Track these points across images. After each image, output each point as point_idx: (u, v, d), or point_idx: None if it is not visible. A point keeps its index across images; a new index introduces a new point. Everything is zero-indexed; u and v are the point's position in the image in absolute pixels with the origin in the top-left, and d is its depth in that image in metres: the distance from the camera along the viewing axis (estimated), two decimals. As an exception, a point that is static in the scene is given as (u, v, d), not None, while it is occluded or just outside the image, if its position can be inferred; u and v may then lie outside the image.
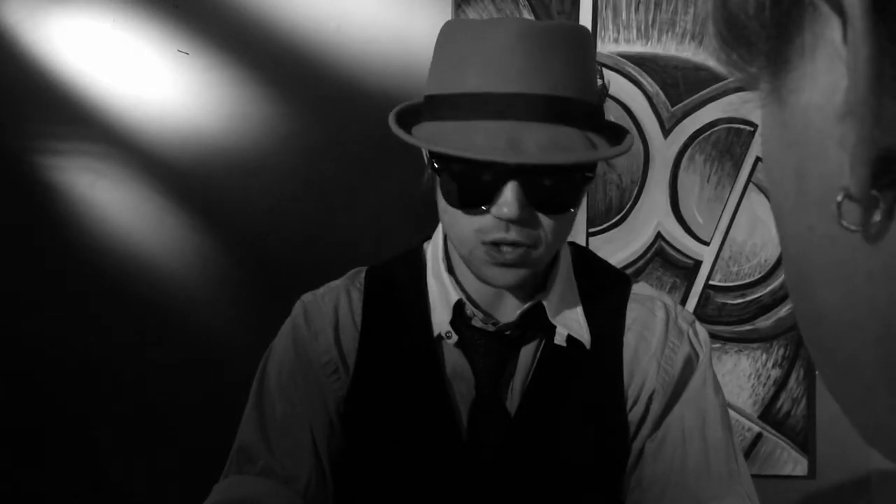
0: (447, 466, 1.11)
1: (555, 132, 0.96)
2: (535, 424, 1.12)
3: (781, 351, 2.05)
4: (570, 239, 1.21)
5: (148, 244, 2.03)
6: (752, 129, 2.02)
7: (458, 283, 1.14)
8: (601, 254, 1.28)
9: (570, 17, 2.00)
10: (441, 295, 1.14)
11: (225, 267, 2.03)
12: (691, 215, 2.04)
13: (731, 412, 1.19)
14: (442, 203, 1.05)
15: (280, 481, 1.11)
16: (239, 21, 2.02)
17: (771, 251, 2.03)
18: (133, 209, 2.03)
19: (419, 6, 1.99)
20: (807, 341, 0.35)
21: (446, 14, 1.95)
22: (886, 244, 0.28)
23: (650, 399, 1.13)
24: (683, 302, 2.03)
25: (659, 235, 2.04)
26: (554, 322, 1.12)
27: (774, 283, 2.04)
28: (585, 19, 2.01)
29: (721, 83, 2.01)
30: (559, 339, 1.12)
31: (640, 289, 1.20)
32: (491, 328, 1.12)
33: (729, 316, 2.06)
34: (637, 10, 2.02)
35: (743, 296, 2.05)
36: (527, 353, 1.13)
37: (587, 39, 1.04)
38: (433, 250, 1.18)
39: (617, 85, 2.01)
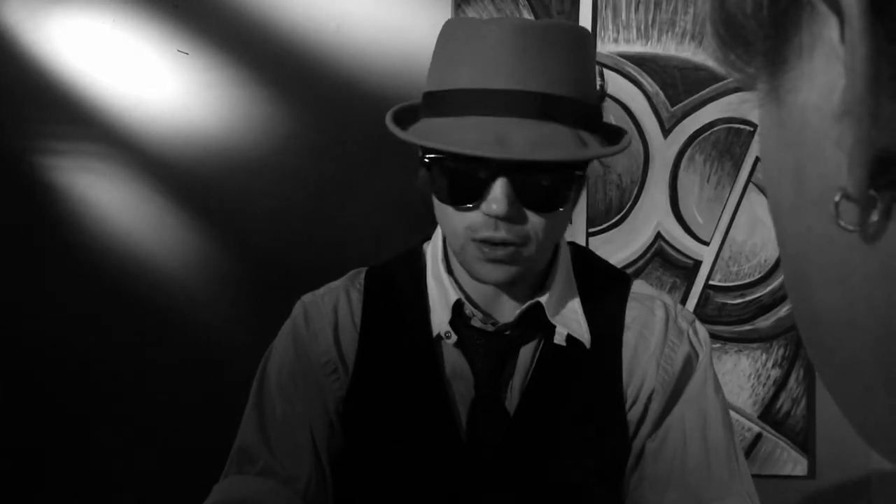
0: (447, 466, 1.12)
1: (545, 129, 0.96)
2: (535, 424, 1.12)
3: (781, 351, 2.05)
4: (569, 239, 1.21)
5: (148, 244, 2.03)
6: (752, 129, 2.02)
7: (457, 283, 1.14)
8: (601, 254, 1.28)
9: (569, 17, 2.00)
10: (440, 295, 1.14)
11: (225, 267, 2.03)
12: (691, 215, 2.04)
13: (731, 412, 1.19)
14: (435, 199, 1.06)
15: (280, 481, 1.12)
16: (239, 21, 2.02)
17: (771, 251, 2.03)
18: (133, 209, 2.03)
19: (419, 6, 1.99)
20: (805, 342, 0.35)
21: (446, 14, 1.95)
22: (884, 244, 0.28)
23: (650, 398, 1.13)
24: (683, 302, 2.02)
25: (659, 235, 2.04)
26: (553, 321, 1.12)
27: (774, 283, 2.04)
28: (585, 19, 2.01)
29: (721, 83, 2.01)
30: (559, 338, 1.12)
31: (639, 288, 1.20)
32: (490, 328, 1.12)
33: (729, 316, 2.06)
34: (637, 10, 2.01)
35: (743, 296, 2.05)
36: (526, 353, 1.13)
37: (584, 39, 1.04)
38: (433, 251, 1.18)
39: (617, 85, 2.01)
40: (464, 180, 1.01)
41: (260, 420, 1.16)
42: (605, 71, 2.01)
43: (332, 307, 1.19)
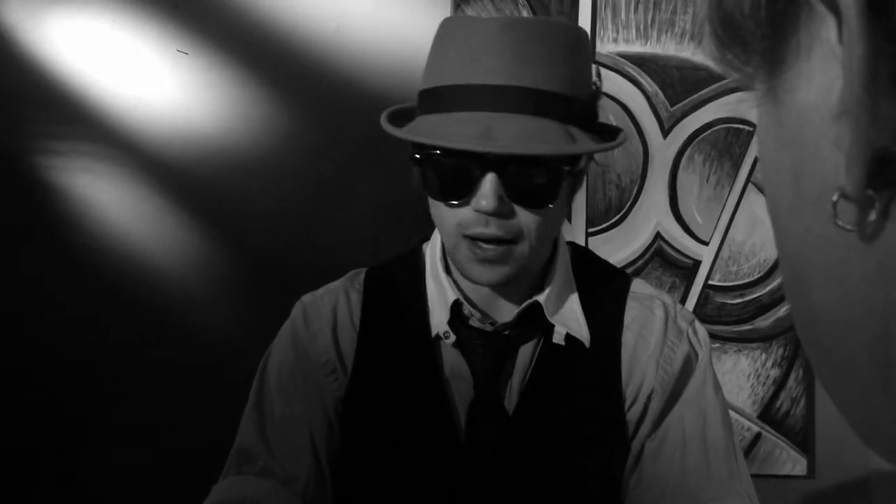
0: (446, 466, 1.11)
1: (534, 124, 0.96)
2: (534, 424, 1.12)
3: (781, 351, 2.05)
4: (568, 239, 1.21)
5: (147, 244, 2.03)
6: (751, 128, 2.02)
7: (455, 283, 1.14)
8: (600, 254, 1.28)
9: (569, 17, 1.99)
10: (439, 295, 1.14)
11: (224, 267, 2.03)
12: (690, 215, 2.04)
13: (731, 412, 1.19)
14: (429, 197, 1.06)
15: (279, 482, 1.12)
16: (238, 21, 2.01)
17: (770, 251, 2.03)
18: (132, 209, 2.02)
19: (418, 6, 1.99)
20: (803, 342, 0.35)
21: (446, 14, 1.95)
22: (882, 244, 0.28)
23: (649, 398, 1.13)
24: (683, 302, 2.02)
25: (658, 235, 2.04)
26: (552, 321, 1.12)
27: (773, 283, 2.04)
28: (585, 19, 2.01)
29: (720, 83, 2.01)
30: (557, 337, 1.12)
31: (639, 287, 1.20)
32: (489, 328, 1.12)
33: (728, 316, 2.06)
34: (636, 9, 2.01)
35: (742, 295, 2.05)
36: (525, 353, 1.13)
37: (577, 36, 1.04)
38: (431, 251, 1.18)
39: (616, 85, 2.01)
40: (453, 176, 1.01)
41: (259, 420, 1.17)
42: (604, 70, 2.01)
43: (331, 308, 1.19)
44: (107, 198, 2.03)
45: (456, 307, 1.12)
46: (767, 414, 2.05)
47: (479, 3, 1.99)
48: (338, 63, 2.02)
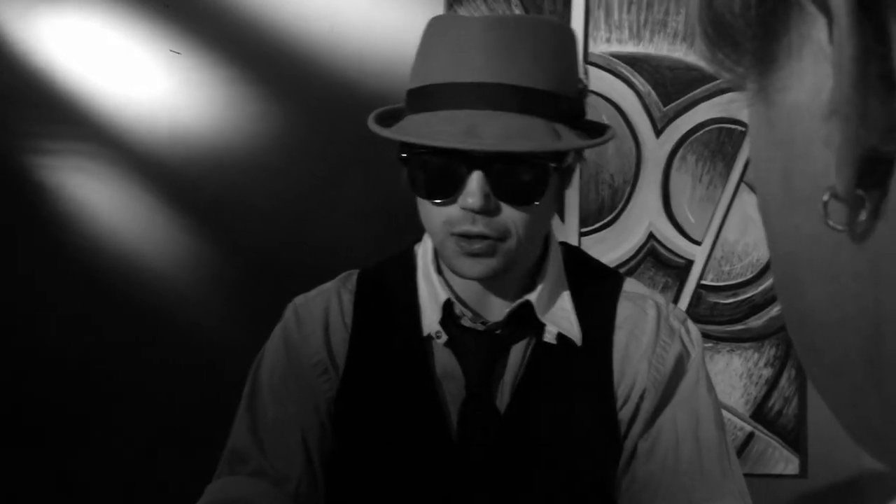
0: (438, 466, 1.11)
1: (519, 121, 0.97)
2: (526, 423, 1.12)
3: (773, 350, 2.06)
4: (561, 239, 1.21)
5: (138, 243, 2.02)
6: (743, 129, 2.03)
7: (447, 282, 1.14)
8: (593, 254, 1.28)
9: (562, 17, 2.00)
10: (430, 295, 1.14)
11: (216, 267, 2.03)
12: (683, 215, 2.05)
13: (723, 411, 1.19)
14: (417, 197, 1.06)
15: (272, 482, 1.12)
16: (231, 20, 2.01)
17: (762, 251, 2.04)
18: (123, 208, 2.02)
19: (412, 6, 1.99)
20: (795, 342, 0.35)
21: (438, 13, 1.94)
22: (872, 244, 0.28)
23: (641, 398, 1.13)
24: (675, 301, 2.03)
25: (651, 235, 2.04)
26: (543, 320, 1.12)
27: (766, 283, 2.04)
28: (577, 19, 2.01)
29: (713, 83, 2.01)
30: (549, 336, 1.11)
31: (631, 287, 1.20)
32: (480, 327, 1.12)
33: (721, 315, 2.06)
34: (629, 10, 2.02)
35: (735, 295, 2.06)
36: (517, 352, 1.13)
37: (562, 34, 1.05)
38: (423, 252, 1.18)
39: (609, 85, 2.01)
40: (439, 175, 1.01)
41: (252, 421, 1.17)
42: (598, 71, 2.01)
43: (322, 309, 1.19)
44: (98, 197, 2.02)
45: (447, 307, 1.12)
46: (760, 413, 2.06)
47: (472, 3, 1.99)
48: (331, 63, 2.02)
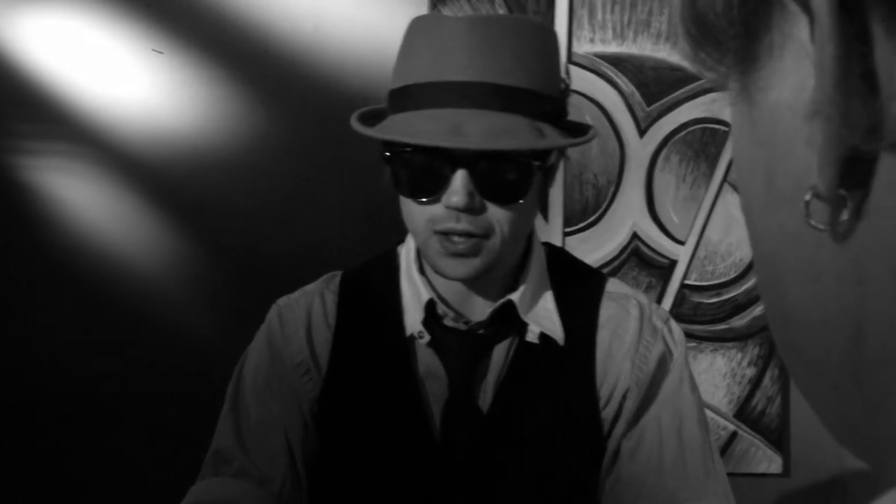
0: (421, 466, 1.11)
1: (502, 120, 0.97)
2: (508, 423, 1.12)
3: (756, 350, 2.06)
4: (545, 239, 1.21)
5: (121, 244, 2.02)
6: (727, 128, 2.03)
7: (429, 282, 1.14)
8: (577, 254, 1.29)
9: (545, 17, 2.00)
10: (413, 295, 1.14)
11: (200, 267, 2.02)
12: (667, 215, 2.05)
13: (707, 411, 1.19)
14: (400, 196, 1.06)
15: (255, 483, 1.12)
16: (214, 20, 2.00)
17: (746, 251, 2.04)
18: (106, 209, 2.01)
19: (396, 6, 1.99)
20: (777, 341, 0.35)
21: (423, 13, 1.94)
22: (854, 243, 0.28)
23: (624, 397, 1.13)
24: (659, 301, 2.03)
25: (635, 235, 2.05)
26: (526, 319, 1.12)
27: (749, 283, 2.05)
28: (561, 19, 2.01)
29: (696, 83, 2.02)
30: (531, 336, 1.12)
31: (614, 286, 1.20)
32: (463, 327, 1.12)
33: (704, 315, 2.07)
34: (612, 10, 2.02)
35: (718, 295, 2.06)
36: (500, 352, 1.13)
37: (544, 33, 1.05)
38: (406, 252, 1.18)
39: (592, 85, 2.02)
40: (423, 173, 1.01)
41: (235, 422, 1.17)
42: (581, 71, 2.01)
43: (305, 310, 1.19)
44: (81, 197, 2.01)
45: (430, 307, 1.12)
46: (743, 413, 2.07)
47: (455, 3, 1.98)
48: (315, 62, 2.01)
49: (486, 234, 1.02)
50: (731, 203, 2.04)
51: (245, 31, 2.01)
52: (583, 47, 2.02)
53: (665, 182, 2.05)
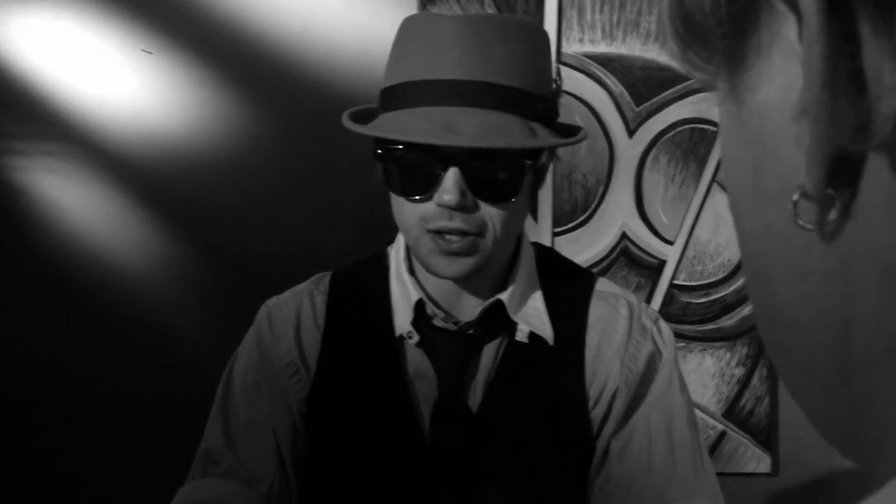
0: (410, 466, 1.11)
1: (494, 118, 0.97)
2: (498, 423, 1.12)
3: (745, 350, 2.07)
4: (534, 239, 1.21)
5: (111, 245, 2.01)
6: (716, 129, 2.03)
7: (419, 283, 1.14)
8: (566, 254, 1.29)
9: (535, 16, 2.00)
10: (402, 295, 1.14)
11: (189, 267, 2.02)
12: (656, 215, 2.05)
13: (696, 410, 1.19)
14: (391, 194, 1.06)
15: (244, 483, 1.12)
16: (203, 20, 2.00)
17: (734, 251, 2.05)
18: (95, 209, 2.00)
19: (385, 6, 1.99)
20: (766, 341, 0.35)
21: (412, 13, 1.94)
22: (842, 243, 0.28)
23: (613, 397, 1.13)
24: (648, 301, 2.03)
25: (624, 235, 2.05)
26: (515, 319, 1.12)
27: (738, 283, 2.06)
28: (550, 19, 2.01)
29: (685, 83, 2.02)
30: (521, 335, 1.12)
31: (604, 286, 1.20)
32: (452, 327, 1.12)
33: (693, 315, 2.07)
34: (602, 10, 2.02)
35: (707, 295, 2.07)
36: (489, 352, 1.13)
37: (536, 34, 1.05)
38: (396, 252, 1.18)
39: (581, 85, 2.02)
40: (415, 171, 1.01)
41: (224, 423, 1.16)
42: (571, 71, 2.01)
43: (295, 310, 1.19)
44: (70, 197, 2.01)
45: (419, 307, 1.12)
46: (732, 412, 2.07)
47: (445, 3, 1.98)
48: (304, 62, 2.01)
49: (480, 231, 1.02)
50: (719, 203, 2.05)
51: (234, 32, 2.01)
52: (572, 47, 2.02)
53: (654, 182, 2.05)
